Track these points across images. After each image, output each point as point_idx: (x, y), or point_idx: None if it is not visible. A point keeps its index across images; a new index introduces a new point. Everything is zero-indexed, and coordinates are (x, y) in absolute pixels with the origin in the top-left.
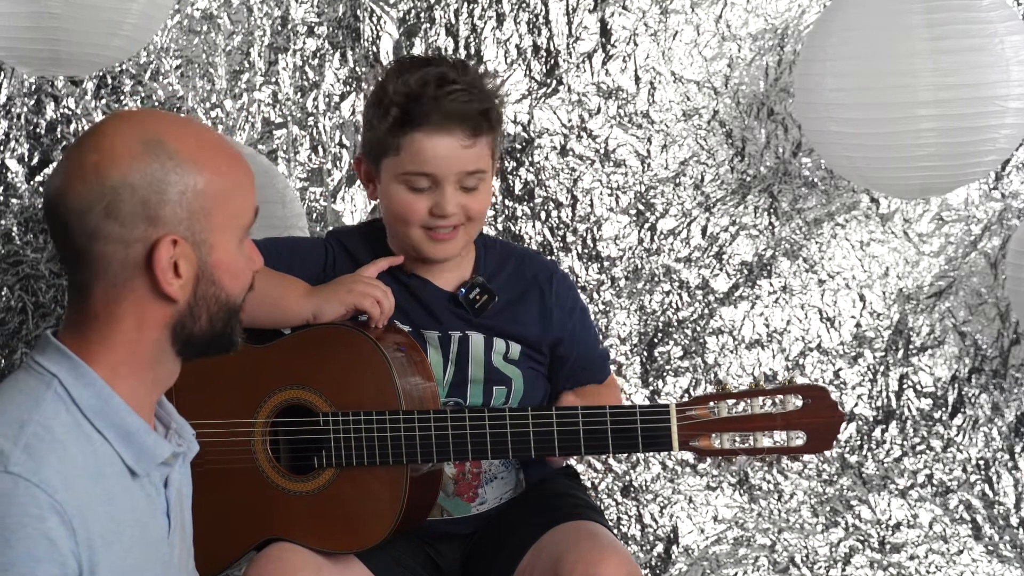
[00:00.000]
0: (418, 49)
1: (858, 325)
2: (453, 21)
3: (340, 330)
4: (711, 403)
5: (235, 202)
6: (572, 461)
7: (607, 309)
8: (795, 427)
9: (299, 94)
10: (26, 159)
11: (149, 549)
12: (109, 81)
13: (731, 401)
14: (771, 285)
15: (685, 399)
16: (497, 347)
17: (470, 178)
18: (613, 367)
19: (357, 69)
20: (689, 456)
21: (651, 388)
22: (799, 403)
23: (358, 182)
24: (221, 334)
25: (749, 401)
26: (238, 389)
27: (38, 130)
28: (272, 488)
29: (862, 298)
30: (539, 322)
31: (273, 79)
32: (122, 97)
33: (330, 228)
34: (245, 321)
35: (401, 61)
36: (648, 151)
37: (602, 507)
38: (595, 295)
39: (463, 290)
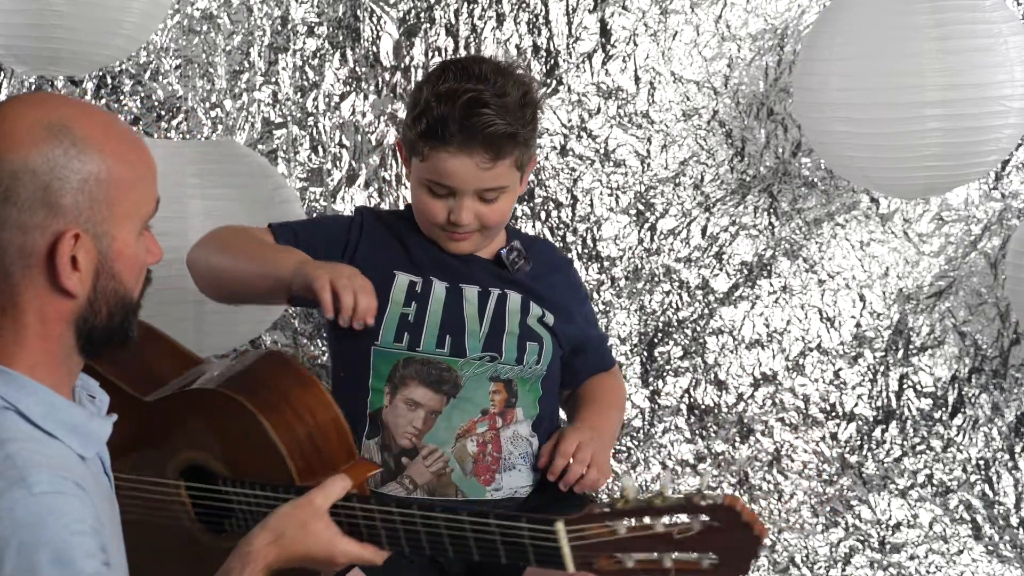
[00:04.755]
0: (418, 49)
1: (858, 325)
2: (453, 21)
3: (221, 396)
4: (607, 521)
5: (138, 192)
6: None
7: (607, 309)
8: (705, 548)
9: (299, 94)
10: None
11: (112, 512)
12: (109, 81)
13: (629, 520)
14: (771, 285)
15: (577, 514)
16: (533, 311)
17: (489, 192)
18: None
19: (357, 69)
20: (690, 456)
21: (651, 388)
22: (708, 522)
23: (358, 182)
24: (119, 329)
25: (650, 519)
26: (144, 444)
27: None
28: (201, 545)
29: (862, 298)
30: (569, 296)
31: (273, 79)
32: (122, 97)
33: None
34: (229, 273)
35: (445, 66)
36: (648, 151)
37: None
38: (595, 295)
39: (503, 251)
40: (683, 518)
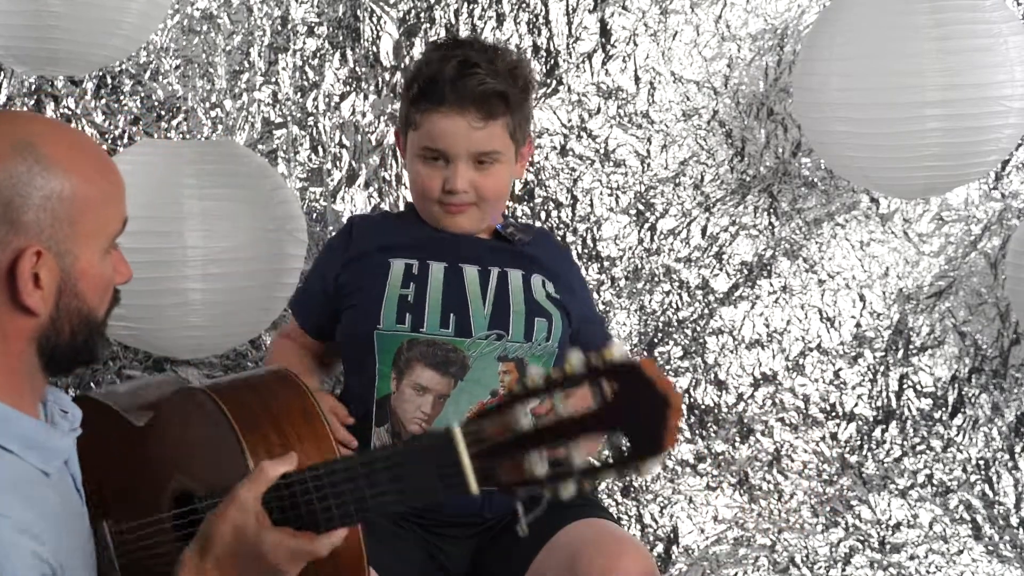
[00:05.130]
0: (418, 49)
1: (858, 325)
2: (453, 21)
3: (202, 396)
4: (506, 412)
5: (102, 211)
6: None
7: (607, 309)
8: (612, 423)
9: (299, 94)
10: None
11: (77, 527)
12: (109, 81)
13: (529, 404)
14: (771, 285)
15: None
16: (535, 283)
17: (483, 156)
18: None
19: (357, 69)
20: (690, 456)
21: None
22: (611, 389)
23: (358, 182)
24: (83, 348)
25: (552, 401)
26: (139, 481)
27: None
28: None
29: (862, 298)
30: (570, 273)
31: (273, 79)
32: (122, 97)
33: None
34: None
35: (440, 41)
36: (648, 151)
37: None
38: (595, 295)
39: (500, 225)
40: (584, 393)
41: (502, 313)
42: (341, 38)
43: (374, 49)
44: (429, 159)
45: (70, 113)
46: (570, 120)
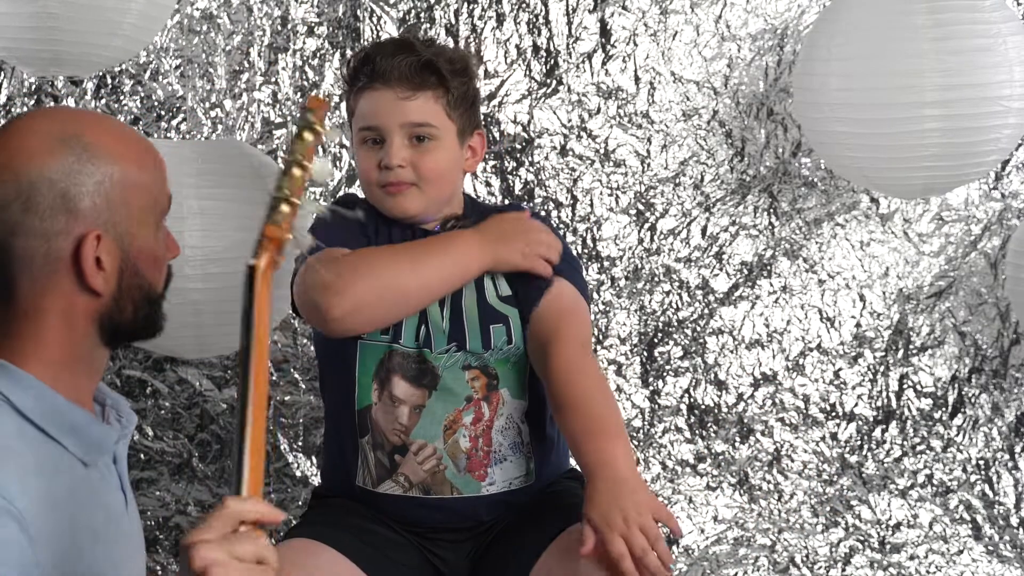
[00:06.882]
0: None
1: (858, 325)
2: (453, 21)
3: None
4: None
5: (151, 190)
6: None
7: (607, 309)
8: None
9: (299, 94)
10: None
11: (113, 528)
12: (109, 81)
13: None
14: (771, 285)
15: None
16: (487, 286)
17: (418, 130)
18: (613, 367)
19: None
20: (690, 456)
21: (651, 388)
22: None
23: (358, 182)
24: (145, 322)
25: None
26: None
27: None
28: None
29: (862, 298)
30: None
31: (273, 79)
32: (122, 97)
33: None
34: (421, 297)
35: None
36: (648, 151)
37: None
38: (595, 295)
39: (437, 227)
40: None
41: (458, 325)
42: (341, 38)
43: None
44: (368, 142)
45: None
46: (570, 120)
